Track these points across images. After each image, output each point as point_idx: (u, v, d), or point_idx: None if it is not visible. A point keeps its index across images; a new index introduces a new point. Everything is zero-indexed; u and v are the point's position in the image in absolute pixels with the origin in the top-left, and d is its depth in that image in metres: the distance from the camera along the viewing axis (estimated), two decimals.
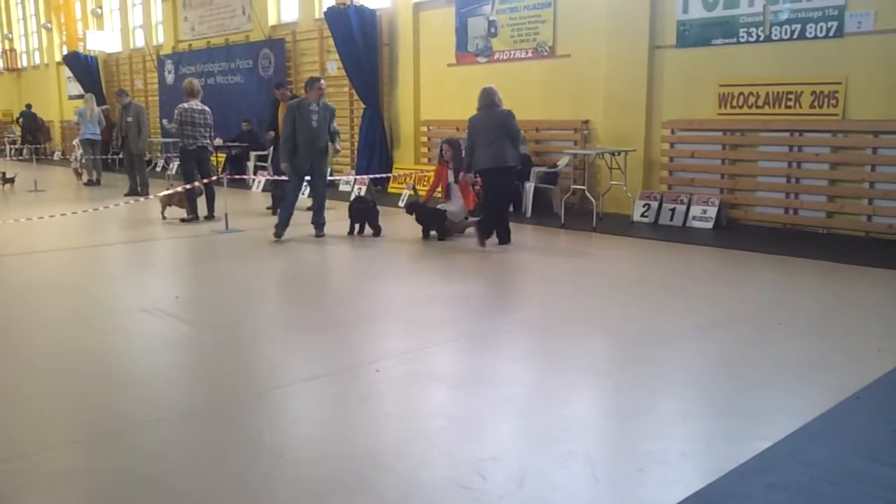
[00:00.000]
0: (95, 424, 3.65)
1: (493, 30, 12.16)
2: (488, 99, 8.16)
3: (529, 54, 11.70)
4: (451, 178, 9.00)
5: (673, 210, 9.71)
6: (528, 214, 10.56)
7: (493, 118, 8.07)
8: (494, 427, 3.60)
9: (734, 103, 9.46)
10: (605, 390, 4.11)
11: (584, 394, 4.08)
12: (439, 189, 9.19)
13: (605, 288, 6.55)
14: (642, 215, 9.95)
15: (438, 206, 8.92)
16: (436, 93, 13.31)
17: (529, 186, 10.69)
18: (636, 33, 10.18)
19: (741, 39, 9.31)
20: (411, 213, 8.97)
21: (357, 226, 9.17)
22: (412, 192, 11.37)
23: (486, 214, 8.31)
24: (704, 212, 9.45)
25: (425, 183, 11.24)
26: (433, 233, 8.83)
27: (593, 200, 9.57)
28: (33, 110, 25.55)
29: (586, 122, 11.05)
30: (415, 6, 13.47)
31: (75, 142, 17.54)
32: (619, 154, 9.96)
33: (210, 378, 4.35)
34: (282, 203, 9.11)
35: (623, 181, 9.98)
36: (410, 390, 4.16)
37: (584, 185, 9.92)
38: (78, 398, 4.03)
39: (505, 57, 12.05)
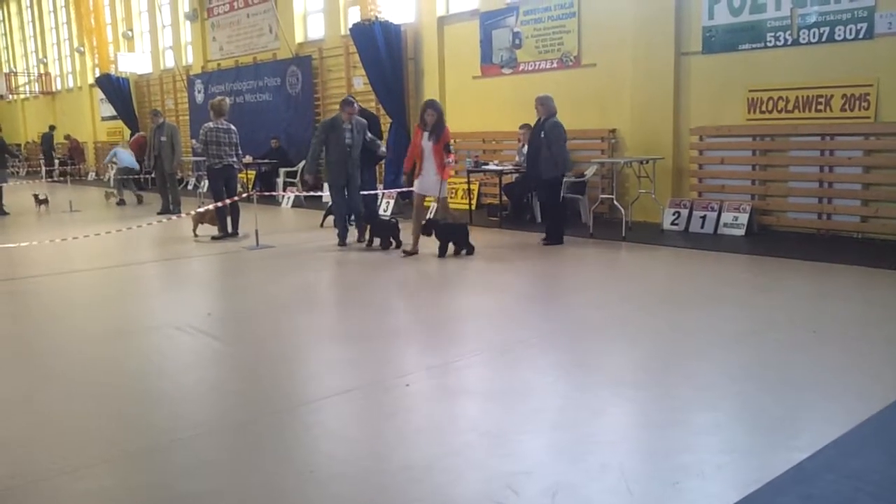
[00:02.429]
0: (127, 442, 3.69)
1: (517, 41, 12.17)
2: None
3: (554, 64, 11.68)
4: (424, 142, 8.67)
5: (703, 217, 9.60)
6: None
7: None
8: (526, 440, 3.57)
9: (763, 108, 9.34)
10: (638, 401, 4.07)
11: (617, 405, 4.03)
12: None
13: (636, 298, 6.49)
14: (672, 223, 9.85)
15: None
16: (461, 105, 13.31)
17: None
18: (662, 40, 10.12)
19: (769, 44, 9.20)
20: (429, 234, 8.52)
21: (383, 240, 9.21)
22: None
23: (556, 218, 9.06)
24: (736, 218, 9.33)
25: (452, 197, 11.22)
26: (450, 251, 8.54)
27: (622, 209, 9.51)
28: (64, 132, 26.21)
29: (613, 130, 11.00)
30: (439, 20, 13.54)
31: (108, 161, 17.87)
32: (647, 162, 9.88)
33: (241, 394, 4.39)
34: (334, 215, 9.91)
35: (652, 189, 9.90)
36: (441, 404, 4.16)
37: (612, 194, 9.86)
38: (110, 415, 4.08)
39: (530, 68, 12.05)
